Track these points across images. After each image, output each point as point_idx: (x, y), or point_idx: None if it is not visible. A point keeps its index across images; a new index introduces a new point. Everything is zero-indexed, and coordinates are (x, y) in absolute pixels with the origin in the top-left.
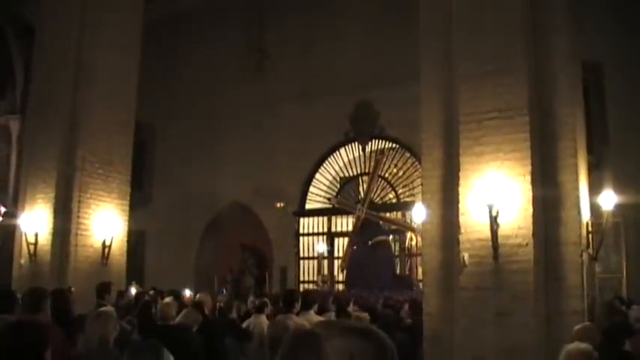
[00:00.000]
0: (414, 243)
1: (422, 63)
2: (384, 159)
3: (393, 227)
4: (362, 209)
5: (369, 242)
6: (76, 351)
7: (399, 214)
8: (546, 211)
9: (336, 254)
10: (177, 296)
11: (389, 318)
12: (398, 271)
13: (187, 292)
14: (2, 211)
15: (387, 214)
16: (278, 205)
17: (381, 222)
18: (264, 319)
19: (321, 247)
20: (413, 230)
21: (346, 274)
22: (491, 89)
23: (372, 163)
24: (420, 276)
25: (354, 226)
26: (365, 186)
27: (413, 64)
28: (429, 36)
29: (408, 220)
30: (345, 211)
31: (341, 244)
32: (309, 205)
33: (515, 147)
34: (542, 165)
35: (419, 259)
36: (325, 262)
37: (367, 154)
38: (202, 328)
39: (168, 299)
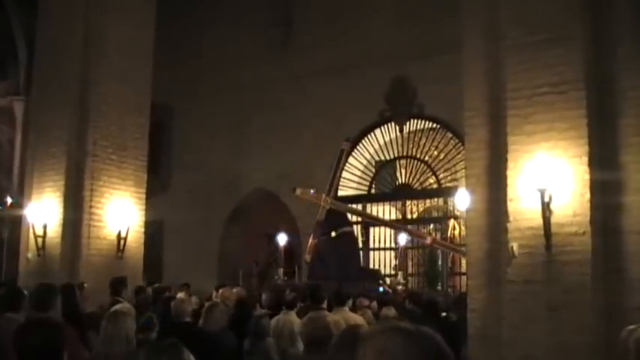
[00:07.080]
0: (456, 232)
1: (465, 32)
2: (349, 147)
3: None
4: (327, 199)
5: (333, 234)
6: (85, 352)
7: (441, 200)
8: (606, 196)
9: (371, 245)
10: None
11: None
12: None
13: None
14: (8, 202)
15: (428, 201)
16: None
17: (348, 213)
18: (294, 317)
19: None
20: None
21: (309, 266)
22: (542, 61)
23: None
24: (463, 268)
25: (318, 216)
26: (400, 171)
27: (454, 34)
28: (473, 1)
29: (450, 208)
30: (381, 198)
31: (377, 234)
32: (341, 192)
33: (570, 125)
34: (601, 145)
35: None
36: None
37: (405, 136)
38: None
39: (180, 295)
